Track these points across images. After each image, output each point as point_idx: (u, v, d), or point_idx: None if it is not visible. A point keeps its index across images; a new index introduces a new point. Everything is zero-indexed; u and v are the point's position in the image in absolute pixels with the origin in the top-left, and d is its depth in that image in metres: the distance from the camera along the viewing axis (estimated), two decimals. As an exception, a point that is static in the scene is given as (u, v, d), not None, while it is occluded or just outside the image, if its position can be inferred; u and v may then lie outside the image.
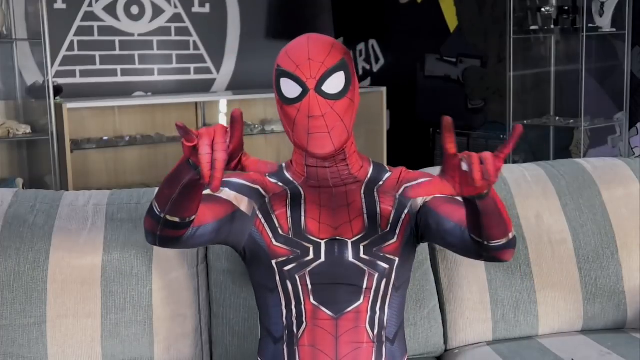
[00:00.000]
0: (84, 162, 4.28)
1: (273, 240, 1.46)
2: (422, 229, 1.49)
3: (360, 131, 4.57)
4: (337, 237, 1.45)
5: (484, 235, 1.31)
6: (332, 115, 1.40)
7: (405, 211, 1.49)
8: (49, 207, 1.84)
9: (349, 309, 1.43)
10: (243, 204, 1.48)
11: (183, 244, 1.39)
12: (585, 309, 1.94)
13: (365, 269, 1.44)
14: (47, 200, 1.86)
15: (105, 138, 4.32)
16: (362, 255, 1.44)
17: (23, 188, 3.82)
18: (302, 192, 1.50)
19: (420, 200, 1.49)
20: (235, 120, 1.14)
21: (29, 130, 3.95)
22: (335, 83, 1.41)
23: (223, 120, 4.75)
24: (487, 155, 1.16)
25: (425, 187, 1.19)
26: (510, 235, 1.34)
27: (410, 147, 4.99)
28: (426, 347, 1.87)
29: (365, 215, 1.47)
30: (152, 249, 1.79)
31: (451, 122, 1.14)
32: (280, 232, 1.46)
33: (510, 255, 1.37)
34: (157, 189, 1.35)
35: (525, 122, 4.26)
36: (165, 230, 1.34)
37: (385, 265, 1.45)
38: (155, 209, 1.32)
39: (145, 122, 4.49)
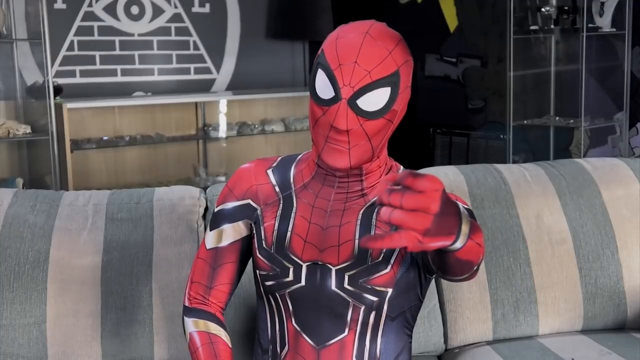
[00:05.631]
0: (84, 162, 4.28)
1: (257, 251, 1.33)
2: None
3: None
4: (320, 262, 1.28)
5: (449, 273, 1.14)
6: (358, 133, 1.18)
7: None
8: (49, 207, 1.84)
9: (332, 341, 1.29)
10: (242, 229, 1.37)
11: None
12: (585, 308, 1.94)
13: (350, 300, 1.27)
14: (47, 200, 1.86)
15: (105, 138, 4.32)
16: (346, 285, 1.27)
17: (23, 188, 3.82)
18: (295, 204, 1.32)
19: None
20: None
21: (29, 130, 3.95)
22: (375, 99, 1.17)
23: (223, 120, 4.75)
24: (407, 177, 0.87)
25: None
26: (480, 265, 1.14)
27: (410, 147, 4.99)
28: (426, 346, 1.87)
29: (357, 242, 1.27)
30: (152, 248, 1.78)
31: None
32: (264, 245, 1.32)
33: (474, 277, 1.18)
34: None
35: (525, 122, 4.27)
36: None
37: (374, 298, 1.27)
38: None
39: (145, 122, 4.49)
